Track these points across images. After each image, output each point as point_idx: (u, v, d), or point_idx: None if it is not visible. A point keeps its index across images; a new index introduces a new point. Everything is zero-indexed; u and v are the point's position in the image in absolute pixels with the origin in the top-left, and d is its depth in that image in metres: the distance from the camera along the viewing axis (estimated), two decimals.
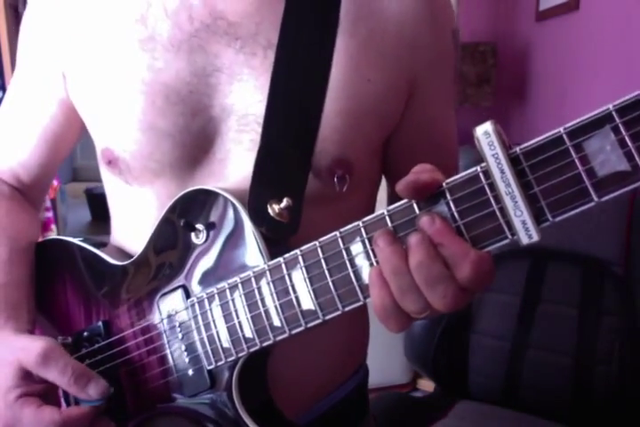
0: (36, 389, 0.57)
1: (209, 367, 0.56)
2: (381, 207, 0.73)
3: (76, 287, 0.67)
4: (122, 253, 0.68)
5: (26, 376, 0.56)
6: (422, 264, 0.42)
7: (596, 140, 0.37)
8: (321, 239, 0.49)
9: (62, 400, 0.64)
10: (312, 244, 0.49)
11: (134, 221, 0.67)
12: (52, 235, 2.19)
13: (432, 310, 0.43)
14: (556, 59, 2.18)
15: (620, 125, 0.37)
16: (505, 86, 2.46)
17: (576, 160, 0.38)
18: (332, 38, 0.58)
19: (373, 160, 0.66)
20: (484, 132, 0.40)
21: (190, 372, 0.57)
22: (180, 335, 0.58)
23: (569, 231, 1.41)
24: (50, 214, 2.19)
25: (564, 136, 0.38)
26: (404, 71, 0.62)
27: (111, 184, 0.69)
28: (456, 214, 0.43)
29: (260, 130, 0.57)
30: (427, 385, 2.22)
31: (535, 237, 0.40)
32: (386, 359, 2.06)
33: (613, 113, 0.37)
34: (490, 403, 1.44)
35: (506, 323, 1.43)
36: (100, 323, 0.63)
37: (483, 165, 0.41)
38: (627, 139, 0.36)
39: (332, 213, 0.59)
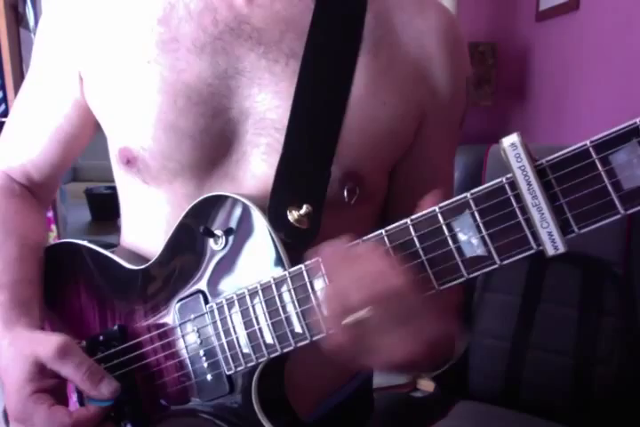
0: (48, 384, 0.58)
1: (228, 373, 0.56)
2: None
3: (89, 291, 0.67)
4: (134, 256, 0.68)
5: (40, 370, 0.57)
6: None
7: (623, 153, 0.38)
8: None
9: (75, 398, 0.65)
10: None
11: (149, 222, 0.68)
12: (52, 235, 2.18)
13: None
14: (556, 59, 2.18)
15: None
16: (505, 86, 2.46)
17: (602, 173, 0.38)
18: (354, 56, 0.59)
19: (383, 177, 0.67)
20: (511, 144, 0.40)
21: (209, 377, 0.57)
22: (198, 341, 0.58)
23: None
24: (50, 214, 2.18)
25: (591, 149, 0.39)
26: (415, 103, 0.63)
27: (126, 184, 0.69)
28: (481, 225, 0.43)
29: (276, 135, 0.59)
30: (427, 385, 2.22)
31: (561, 249, 0.40)
32: None
33: None
34: (490, 403, 1.44)
35: (506, 323, 1.43)
36: (117, 327, 0.63)
37: (508, 176, 0.42)
38: None
39: (343, 221, 0.60)
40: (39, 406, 0.56)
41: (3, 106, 3.06)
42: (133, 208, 0.70)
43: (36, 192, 0.76)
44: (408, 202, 0.64)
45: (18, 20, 2.77)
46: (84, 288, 0.68)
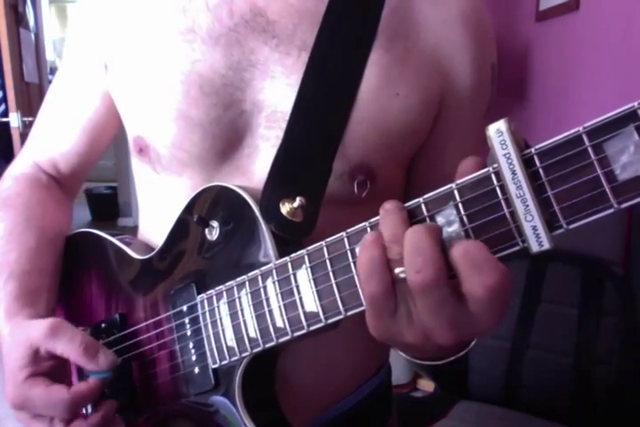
0: (44, 367, 0.57)
1: (213, 366, 0.55)
2: None
3: (99, 279, 0.68)
4: (146, 246, 0.69)
5: (34, 355, 0.57)
6: (415, 233, 0.39)
7: (618, 140, 0.34)
8: (328, 239, 0.47)
9: (76, 378, 0.65)
10: (319, 243, 0.48)
11: (159, 212, 0.68)
12: None
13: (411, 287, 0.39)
14: (555, 59, 2.18)
15: None
16: (505, 86, 2.46)
17: (595, 162, 0.35)
18: (366, 49, 0.59)
19: (399, 171, 0.66)
20: (497, 130, 0.38)
21: (196, 370, 0.57)
22: (189, 332, 0.57)
23: (569, 231, 1.40)
24: None
25: (584, 136, 0.35)
26: (435, 92, 0.62)
27: (140, 174, 0.70)
28: (465, 218, 0.40)
29: None
30: (427, 385, 2.22)
31: (546, 245, 0.37)
32: None
33: (639, 111, 0.34)
34: (490, 403, 1.44)
35: (506, 323, 1.43)
36: (117, 315, 0.64)
37: (495, 165, 0.38)
38: None
39: (352, 218, 0.60)
40: (35, 387, 0.56)
41: (3, 106, 3.06)
42: (147, 199, 0.71)
43: (63, 184, 0.77)
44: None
45: (18, 20, 2.78)
46: (96, 276, 0.69)
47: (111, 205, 5.03)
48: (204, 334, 0.56)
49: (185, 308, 0.58)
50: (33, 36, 3.46)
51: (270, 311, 0.51)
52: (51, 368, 0.58)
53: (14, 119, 2.95)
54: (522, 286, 1.43)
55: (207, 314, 0.56)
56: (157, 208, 0.69)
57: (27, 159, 0.76)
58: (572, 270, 1.40)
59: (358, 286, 0.45)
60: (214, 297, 0.55)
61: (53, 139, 0.74)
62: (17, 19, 2.75)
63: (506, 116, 0.38)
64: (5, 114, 3.01)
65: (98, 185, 5.07)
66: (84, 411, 0.61)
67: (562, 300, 1.39)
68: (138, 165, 0.69)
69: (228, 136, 0.61)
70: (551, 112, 2.22)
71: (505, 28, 2.52)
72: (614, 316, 1.34)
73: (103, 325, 0.65)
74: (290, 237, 0.53)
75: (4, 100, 2.98)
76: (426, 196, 0.42)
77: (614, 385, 1.32)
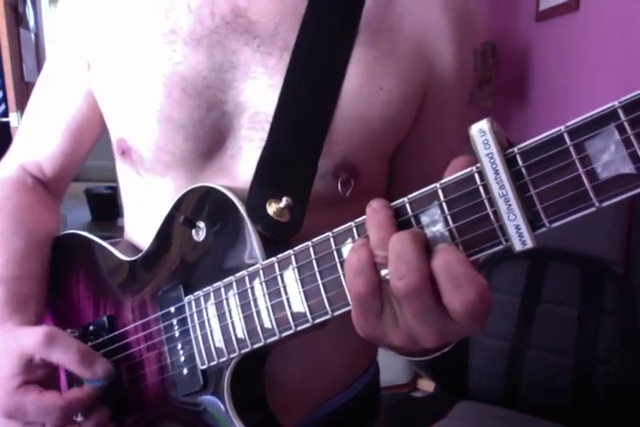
0: (36, 376, 0.57)
1: (202, 367, 0.55)
2: None
3: (86, 281, 0.68)
4: (133, 247, 0.69)
5: (28, 364, 0.56)
6: (400, 239, 0.40)
7: (599, 139, 0.35)
8: (314, 239, 0.47)
9: (65, 384, 0.65)
10: (305, 244, 0.48)
11: (144, 214, 0.68)
12: None
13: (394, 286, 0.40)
14: (555, 59, 2.18)
15: (625, 124, 0.33)
16: (505, 86, 2.46)
17: (576, 161, 0.35)
18: (348, 46, 0.58)
19: (382, 168, 0.66)
20: (479, 129, 0.38)
21: (185, 371, 0.57)
22: (177, 333, 0.57)
23: (569, 231, 1.41)
24: None
25: (565, 135, 0.36)
26: (419, 85, 0.62)
27: (124, 176, 0.70)
28: (449, 217, 0.40)
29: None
30: (427, 385, 2.22)
31: (529, 244, 0.37)
32: (386, 359, 2.06)
33: (619, 110, 0.34)
34: (490, 403, 1.45)
35: (506, 323, 1.43)
36: (105, 317, 0.64)
37: (478, 165, 0.39)
38: (632, 138, 0.33)
39: (338, 218, 0.60)
40: (28, 394, 0.55)
41: (3, 106, 3.06)
42: (132, 200, 0.71)
43: (48, 186, 0.77)
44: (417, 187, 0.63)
45: (18, 20, 2.78)
46: (84, 278, 0.69)
47: (111, 205, 5.02)
48: (193, 336, 0.56)
49: (173, 309, 0.58)
50: (33, 36, 3.46)
51: (258, 312, 0.51)
52: (43, 376, 0.57)
53: (14, 119, 2.96)
54: (522, 286, 1.43)
55: (195, 315, 0.56)
56: (141, 210, 0.69)
57: (12, 162, 0.76)
58: (572, 270, 1.40)
59: (344, 285, 0.45)
60: (202, 298, 0.55)
61: (38, 140, 0.74)
62: (17, 19, 2.76)
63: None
64: (5, 114, 3.01)
65: (98, 185, 5.07)
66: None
67: (562, 300, 1.39)
68: (121, 167, 0.69)
69: (211, 137, 0.60)
70: (551, 112, 2.22)
71: (505, 28, 2.52)
72: (614, 316, 1.34)
73: (91, 327, 0.65)
74: (277, 238, 0.53)
75: (4, 100, 2.98)
76: (410, 195, 0.42)
77: (614, 385, 1.32)
